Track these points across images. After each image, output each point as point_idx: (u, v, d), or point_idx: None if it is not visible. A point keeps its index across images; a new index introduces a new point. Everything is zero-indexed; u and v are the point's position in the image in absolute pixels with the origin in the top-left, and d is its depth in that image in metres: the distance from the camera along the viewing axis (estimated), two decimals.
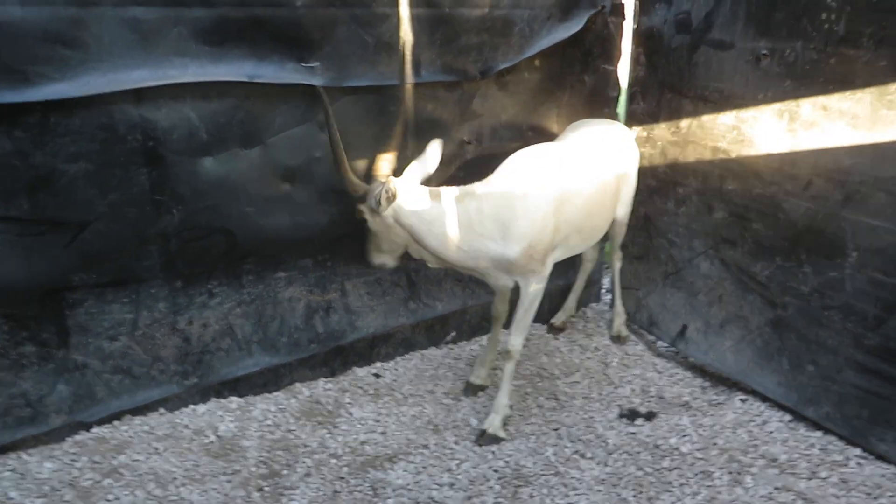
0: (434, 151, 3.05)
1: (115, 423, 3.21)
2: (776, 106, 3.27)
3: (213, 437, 3.18)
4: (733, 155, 3.53)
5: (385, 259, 3.12)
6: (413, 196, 2.90)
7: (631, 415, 3.44)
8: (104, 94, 2.76)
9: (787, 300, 3.35)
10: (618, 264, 4.23)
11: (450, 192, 2.95)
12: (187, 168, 3.06)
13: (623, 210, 3.86)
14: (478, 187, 3.00)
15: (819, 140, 3.10)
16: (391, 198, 2.82)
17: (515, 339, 3.24)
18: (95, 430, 3.16)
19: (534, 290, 3.16)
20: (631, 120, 4.21)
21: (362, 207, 2.94)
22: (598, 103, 4.22)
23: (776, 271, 3.39)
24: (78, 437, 3.11)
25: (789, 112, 3.21)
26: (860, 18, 2.85)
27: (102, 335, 3.10)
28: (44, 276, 2.91)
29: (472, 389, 3.64)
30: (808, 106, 3.12)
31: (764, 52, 3.28)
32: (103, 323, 3.08)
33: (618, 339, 4.21)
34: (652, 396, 3.61)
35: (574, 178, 3.20)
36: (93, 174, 2.87)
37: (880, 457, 3.01)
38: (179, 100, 2.96)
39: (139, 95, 2.86)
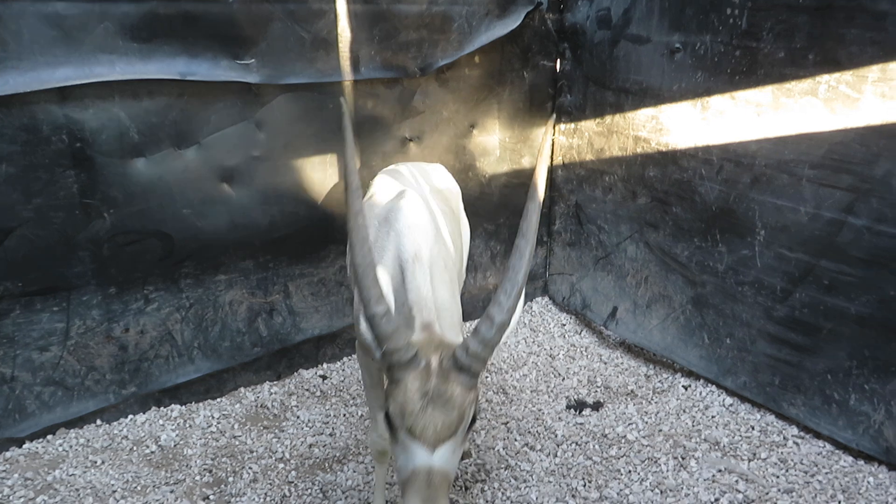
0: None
1: (49, 437, 3.08)
2: (690, 96, 3.44)
3: (154, 447, 3.08)
4: (653, 143, 3.69)
5: None
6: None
7: (578, 405, 3.48)
8: (25, 94, 2.65)
9: (706, 278, 3.53)
10: None
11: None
12: (118, 170, 2.95)
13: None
14: (412, 263, 2.03)
15: (728, 127, 3.29)
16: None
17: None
18: (27, 445, 3.02)
19: None
20: (559, 113, 4.29)
21: (462, 375, 1.61)
22: (539, 98, 4.26)
23: (695, 251, 3.56)
24: (8, 454, 2.97)
25: (701, 102, 3.39)
26: (760, 13, 3.05)
27: (31, 346, 2.96)
28: None
29: None
30: (718, 95, 3.30)
31: (677, 45, 3.43)
32: (32, 333, 2.94)
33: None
34: (598, 387, 3.66)
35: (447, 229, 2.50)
36: (16, 177, 2.74)
37: (817, 435, 3.12)
38: (108, 99, 2.85)
39: (64, 95, 2.75)
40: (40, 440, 3.05)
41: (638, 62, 3.68)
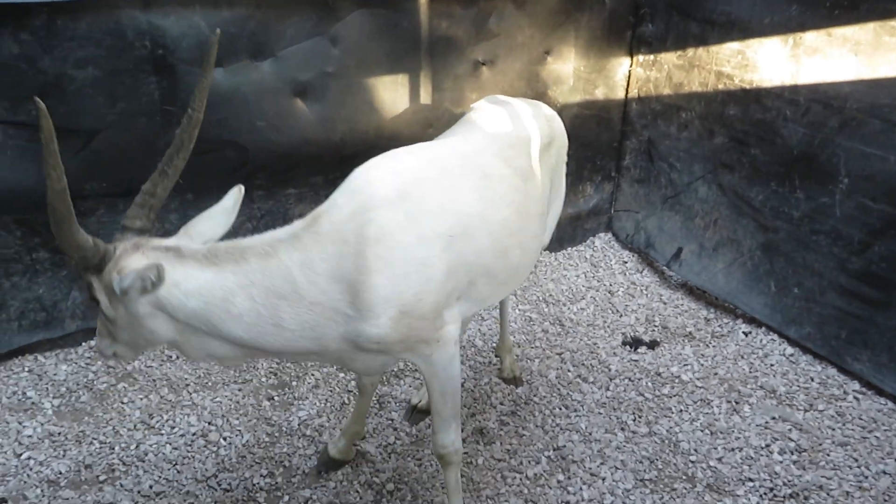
0: (232, 201, 1.95)
1: None
2: (781, 31, 3.23)
3: None
4: (736, 80, 3.51)
5: (124, 351, 1.89)
6: (189, 271, 1.71)
7: (634, 342, 3.49)
8: None
9: (779, 224, 3.41)
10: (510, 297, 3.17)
11: (255, 246, 1.78)
12: (197, 78, 3.00)
13: (547, 235, 2.65)
14: (300, 228, 1.82)
15: (820, 66, 3.10)
16: (152, 286, 1.63)
17: (444, 437, 2.14)
18: None
19: (441, 362, 2.00)
20: (639, 43, 4.10)
21: (94, 282, 1.73)
22: (618, 27, 4.08)
23: (770, 196, 3.43)
24: (93, 343, 3.20)
25: (794, 38, 3.18)
26: None
27: None
28: None
29: (327, 464, 2.61)
30: (813, 31, 3.10)
31: None
32: (115, 232, 3.09)
33: (513, 381, 3.16)
34: (656, 326, 3.65)
35: (475, 198, 2.02)
36: (101, 81, 2.83)
37: (879, 392, 3.05)
38: (189, 7, 2.89)
39: (147, 1, 2.79)
40: None
41: None
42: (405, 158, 1.98)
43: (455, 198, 1.95)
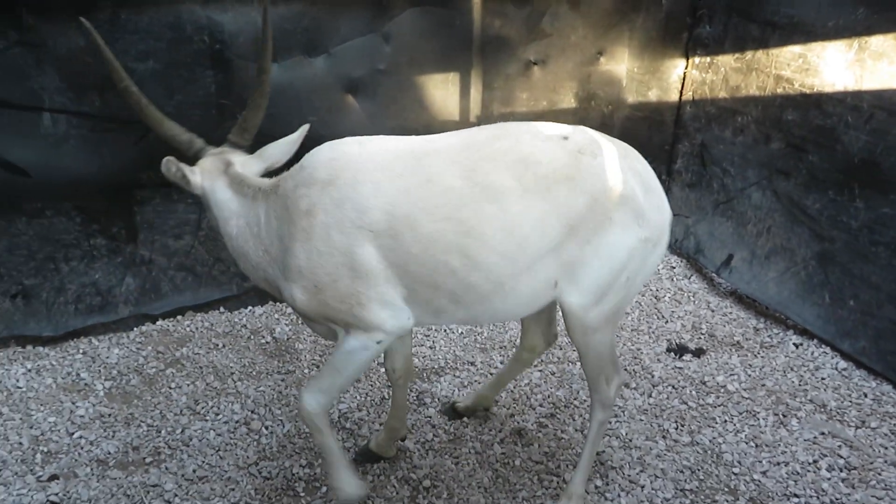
0: (298, 134, 2.30)
1: (179, 317, 3.39)
2: (846, 34, 3.13)
3: (269, 338, 3.32)
4: (796, 84, 3.41)
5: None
6: (221, 184, 2.11)
7: (679, 350, 3.42)
8: None
9: (835, 234, 3.30)
10: (598, 417, 2.37)
11: (253, 186, 2.11)
12: (252, 73, 3.07)
13: (580, 296, 2.06)
14: (271, 185, 2.10)
15: (886, 72, 2.98)
16: (181, 178, 2.08)
17: (307, 394, 2.12)
18: (160, 322, 3.35)
19: (349, 347, 2.04)
20: (696, 45, 4.02)
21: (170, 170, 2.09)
22: (674, 28, 4.01)
23: (827, 204, 3.33)
24: (144, 328, 3.30)
25: (859, 42, 3.08)
26: None
27: (168, 233, 3.22)
28: (114, 173, 3.02)
29: (365, 456, 2.61)
30: (880, 35, 2.99)
31: None
32: (169, 221, 3.20)
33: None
34: (702, 334, 3.58)
35: (404, 200, 1.90)
36: (160, 74, 2.92)
37: None
38: (246, 3, 2.95)
39: None
40: (171, 319, 3.37)
41: None
42: (351, 148, 2.01)
43: (383, 194, 1.90)
